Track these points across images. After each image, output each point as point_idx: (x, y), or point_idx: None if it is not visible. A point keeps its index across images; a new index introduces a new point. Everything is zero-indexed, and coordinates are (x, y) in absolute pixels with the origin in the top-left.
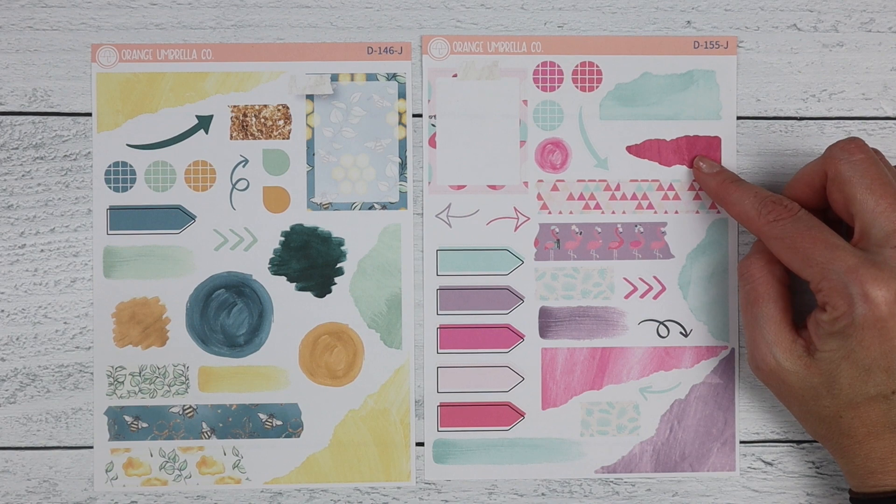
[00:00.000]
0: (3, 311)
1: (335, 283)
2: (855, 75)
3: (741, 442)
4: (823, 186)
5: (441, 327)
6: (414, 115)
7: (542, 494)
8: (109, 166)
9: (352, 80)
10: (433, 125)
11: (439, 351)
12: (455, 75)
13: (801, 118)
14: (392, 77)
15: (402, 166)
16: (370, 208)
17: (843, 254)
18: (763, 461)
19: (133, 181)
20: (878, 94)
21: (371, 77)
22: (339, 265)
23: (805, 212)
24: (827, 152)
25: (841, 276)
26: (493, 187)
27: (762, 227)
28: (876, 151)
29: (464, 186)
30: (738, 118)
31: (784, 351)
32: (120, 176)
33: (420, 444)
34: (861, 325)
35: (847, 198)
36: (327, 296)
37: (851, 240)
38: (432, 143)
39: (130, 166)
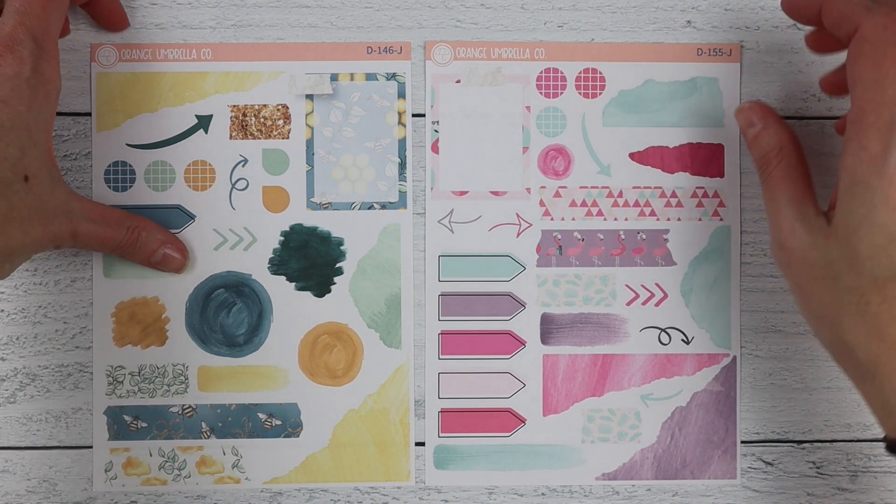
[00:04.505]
0: (3, 311)
1: (335, 283)
2: None
3: (742, 442)
4: None
5: (443, 333)
6: (414, 115)
7: (542, 494)
8: (109, 166)
9: (351, 79)
10: (436, 130)
11: (441, 356)
12: (458, 81)
13: (802, 118)
14: (392, 77)
15: (402, 166)
16: (370, 208)
17: None
18: (763, 461)
19: (133, 181)
20: None
21: (371, 77)
22: (338, 265)
23: None
24: None
25: (894, 121)
26: (495, 193)
27: (867, 24)
28: None
29: (466, 192)
30: None
31: (805, 224)
32: (119, 176)
33: (420, 444)
34: (891, 178)
35: None
36: (327, 295)
37: None
38: (435, 148)
39: (130, 166)
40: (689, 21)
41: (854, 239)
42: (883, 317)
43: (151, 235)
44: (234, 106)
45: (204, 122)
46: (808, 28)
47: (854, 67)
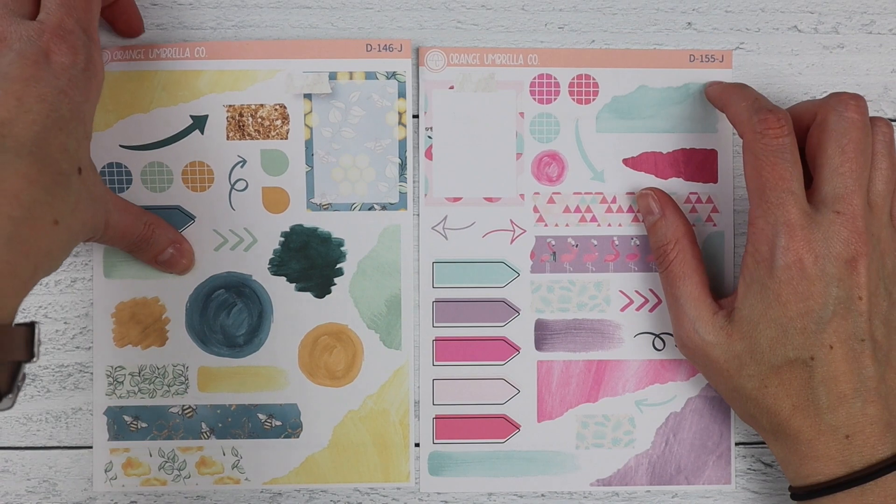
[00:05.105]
0: None
1: (335, 284)
2: (855, 77)
3: (741, 444)
4: (809, 126)
5: (437, 339)
6: (414, 116)
7: (542, 496)
8: (104, 167)
9: (350, 78)
10: (430, 137)
11: (435, 363)
12: (452, 87)
13: None
14: (392, 76)
15: (402, 167)
16: (370, 209)
17: (792, 204)
18: (763, 462)
19: (129, 182)
20: (878, 96)
21: (370, 76)
22: (338, 266)
23: (791, 140)
24: (827, 97)
25: (777, 226)
26: (489, 199)
27: (747, 134)
28: (880, 121)
29: (460, 199)
30: None
31: (706, 324)
32: (115, 177)
33: (419, 446)
34: (779, 279)
35: (819, 146)
36: (327, 296)
37: (808, 188)
38: (429, 154)
39: (125, 167)
40: (689, 23)
41: (755, 333)
42: (780, 395)
43: (163, 233)
44: (230, 106)
45: (199, 123)
46: (810, 30)
47: (746, 175)
